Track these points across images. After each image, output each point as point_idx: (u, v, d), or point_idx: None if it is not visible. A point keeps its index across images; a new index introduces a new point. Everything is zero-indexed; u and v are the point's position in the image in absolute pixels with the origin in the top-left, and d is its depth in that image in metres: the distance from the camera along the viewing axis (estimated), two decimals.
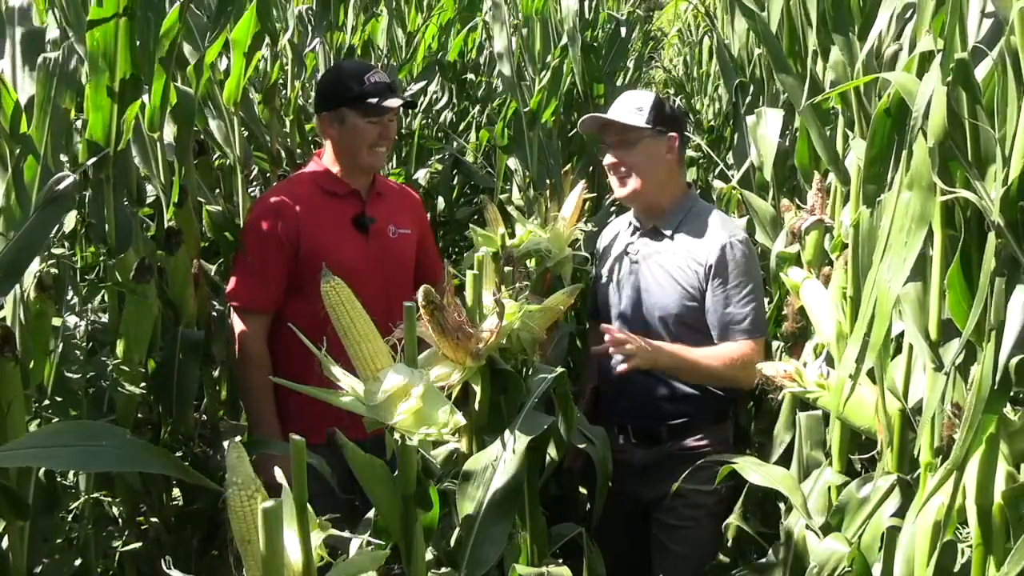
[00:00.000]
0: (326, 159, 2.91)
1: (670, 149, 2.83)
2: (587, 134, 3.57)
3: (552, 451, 2.11)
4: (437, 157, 5.24)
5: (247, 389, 2.86)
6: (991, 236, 1.31)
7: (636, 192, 2.82)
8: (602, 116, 2.89)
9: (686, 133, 3.00)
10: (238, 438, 2.76)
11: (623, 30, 4.81)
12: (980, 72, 1.38)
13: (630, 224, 2.96)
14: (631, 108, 2.80)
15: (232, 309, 2.83)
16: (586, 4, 4.40)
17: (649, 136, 2.79)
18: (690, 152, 4.61)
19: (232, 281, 2.85)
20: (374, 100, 2.77)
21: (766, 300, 2.99)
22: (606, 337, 2.55)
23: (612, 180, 2.88)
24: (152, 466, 1.82)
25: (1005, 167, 1.30)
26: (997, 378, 1.31)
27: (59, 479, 2.22)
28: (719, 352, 2.70)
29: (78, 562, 2.25)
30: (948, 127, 1.33)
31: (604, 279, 2.98)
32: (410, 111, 5.14)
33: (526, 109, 4.11)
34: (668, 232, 2.83)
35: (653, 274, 2.82)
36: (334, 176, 2.88)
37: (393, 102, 2.80)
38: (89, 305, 2.58)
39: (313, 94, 3.35)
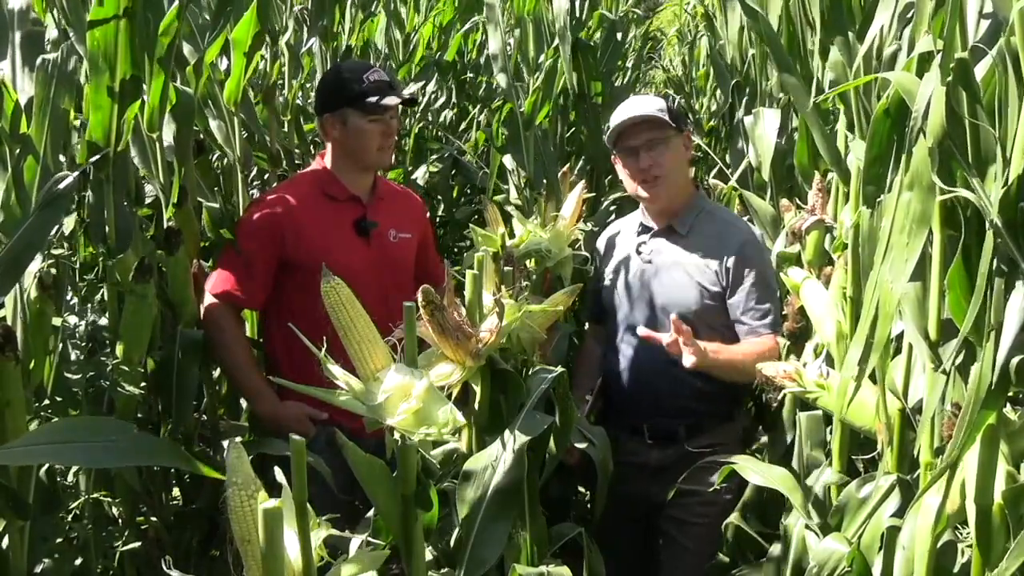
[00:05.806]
0: (328, 161, 2.89)
1: (686, 146, 2.85)
2: (588, 136, 3.54)
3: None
4: (435, 157, 5.24)
5: (233, 366, 2.81)
6: (989, 236, 1.31)
7: (671, 196, 2.81)
8: (636, 116, 2.79)
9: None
10: (238, 438, 2.77)
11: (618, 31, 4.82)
12: (979, 72, 1.38)
13: (639, 224, 2.94)
14: (654, 109, 2.78)
15: (209, 297, 2.76)
16: (577, 4, 4.39)
17: (675, 135, 2.78)
18: None
19: (217, 271, 2.79)
20: (374, 98, 2.75)
21: None
22: (664, 337, 2.48)
23: (636, 184, 2.81)
24: (162, 459, 1.87)
25: (1005, 167, 1.30)
26: (995, 378, 1.32)
27: (59, 479, 2.22)
28: (751, 348, 2.69)
29: (78, 562, 2.25)
30: (948, 127, 1.33)
31: (608, 281, 2.95)
32: (409, 110, 5.13)
33: (521, 110, 4.11)
34: (683, 231, 2.82)
35: (669, 273, 2.81)
36: (336, 180, 2.86)
37: (393, 99, 2.78)
38: (89, 305, 2.58)
39: (312, 95, 3.35)
